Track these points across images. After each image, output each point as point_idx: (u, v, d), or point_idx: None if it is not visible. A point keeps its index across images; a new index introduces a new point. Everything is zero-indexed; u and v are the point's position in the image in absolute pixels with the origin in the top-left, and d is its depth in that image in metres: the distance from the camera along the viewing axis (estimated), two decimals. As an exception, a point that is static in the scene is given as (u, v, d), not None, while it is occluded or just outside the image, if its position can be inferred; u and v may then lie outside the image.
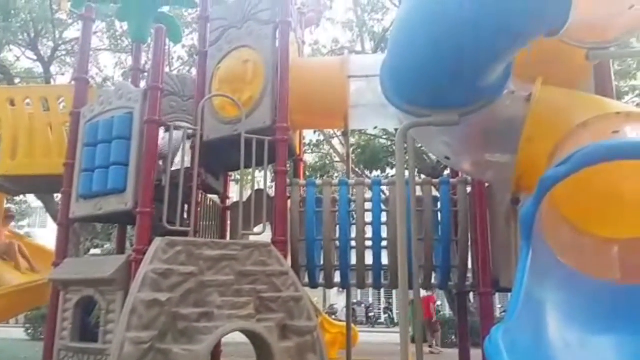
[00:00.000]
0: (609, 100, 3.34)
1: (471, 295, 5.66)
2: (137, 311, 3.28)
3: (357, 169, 13.18)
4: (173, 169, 4.51)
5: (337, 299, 21.20)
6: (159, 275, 3.41)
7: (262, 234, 4.54)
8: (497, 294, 4.61)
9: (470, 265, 4.75)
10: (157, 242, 3.58)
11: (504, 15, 2.60)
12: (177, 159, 4.75)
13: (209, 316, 3.45)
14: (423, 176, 9.35)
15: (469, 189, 4.81)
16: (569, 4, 2.48)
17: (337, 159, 14.31)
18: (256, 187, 5.94)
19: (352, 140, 12.59)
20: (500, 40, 2.74)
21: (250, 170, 5.87)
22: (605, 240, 2.56)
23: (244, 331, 3.63)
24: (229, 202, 5.97)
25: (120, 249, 5.82)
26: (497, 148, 3.53)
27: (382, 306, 25.75)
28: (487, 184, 4.55)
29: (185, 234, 3.96)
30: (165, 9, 6.20)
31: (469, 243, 4.68)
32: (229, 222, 5.74)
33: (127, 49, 13.91)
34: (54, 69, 15.58)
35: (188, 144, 4.84)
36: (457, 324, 6.18)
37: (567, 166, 2.11)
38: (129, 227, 6.00)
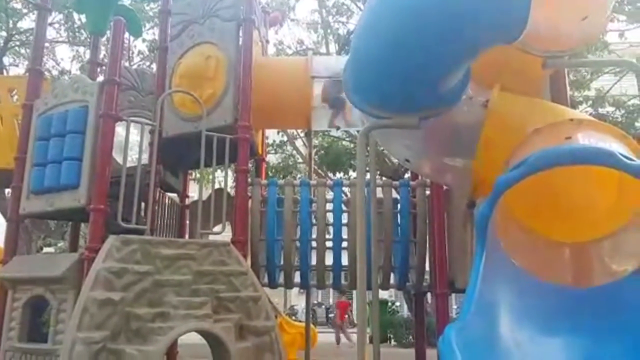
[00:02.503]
0: (563, 107, 3.45)
1: (429, 295, 5.75)
2: (89, 311, 3.17)
3: (319, 171, 13.20)
4: (130, 165, 4.38)
5: (297, 300, 21.17)
6: (112, 274, 3.31)
7: (222, 233, 4.47)
8: (453, 295, 4.70)
9: (427, 267, 4.82)
10: (111, 240, 3.47)
11: (464, 22, 2.66)
12: (135, 155, 4.63)
13: (164, 316, 3.37)
14: (384, 178, 9.46)
15: (428, 192, 4.89)
16: (526, 13, 2.55)
17: (300, 160, 14.30)
18: (217, 186, 5.84)
19: (315, 141, 12.61)
20: (459, 46, 2.81)
21: (211, 169, 5.78)
22: (557, 243, 2.64)
23: (201, 332, 3.56)
24: (188, 201, 5.86)
25: (73, 247, 5.62)
26: (456, 152, 3.59)
27: (343, 307, 25.85)
28: (445, 187, 4.63)
29: (141, 232, 3.85)
30: (126, 1, 6.04)
31: (427, 245, 4.75)
32: (188, 222, 5.63)
33: (85, 42, 13.47)
34: (6, 60, 14.91)
35: (146, 140, 4.71)
36: (414, 324, 6.27)
37: (521, 170, 2.17)
38: (83, 225, 5.80)
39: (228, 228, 4.66)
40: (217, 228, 4.59)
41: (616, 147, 2.26)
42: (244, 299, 3.72)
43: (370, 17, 3.16)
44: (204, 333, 3.58)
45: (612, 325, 2.16)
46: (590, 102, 12.15)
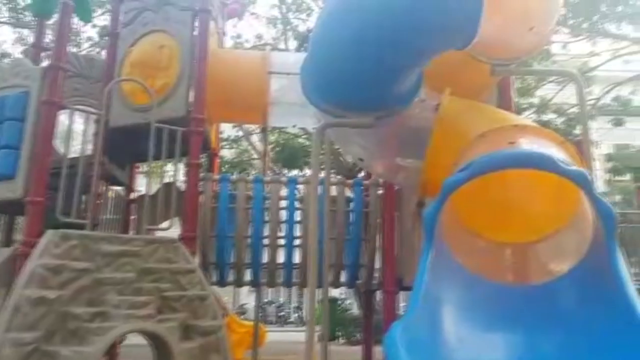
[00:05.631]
0: (509, 113, 3.59)
1: (378, 293, 5.84)
2: (21, 310, 2.99)
3: (275, 167, 13.13)
4: (73, 156, 4.20)
5: (248, 298, 20.97)
6: (48, 270, 3.14)
7: (169, 229, 4.35)
8: (402, 293, 4.79)
9: (377, 265, 4.89)
10: (49, 234, 3.29)
11: (417, 29, 2.75)
12: (79, 145, 4.43)
13: (104, 316, 3.23)
14: (339, 177, 9.51)
15: (380, 191, 4.95)
16: (476, 22, 2.64)
17: (255, 155, 14.17)
18: (166, 181, 5.69)
19: (271, 137, 12.52)
20: (412, 51, 2.89)
21: (160, 162, 5.63)
22: (499, 244, 2.74)
23: (143, 332, 3.45)
24: (135, 195, 5.66)
25: (7, 242, 5.32)
26: (407, 153, 3.66)
27: (293, 305, 25.88)
28: (397, 187, 4.70)
29: (81, 227, 3.69)
30: (75, -16, 5.76)
31: (378, 243, 4.81)
32: (133, 217, 5.45)
33: (29, 24, 12.78)
34: (-58, 40, 13.96)
35: (91, 130, 4.52)
36: (362, 321, 6.35)
37: (467, 172, 2.24)
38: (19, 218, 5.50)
39: (177, 224, 4.55)
40: (165, 224, 4.47)
41: (556, 152, 2.36)
42: (191, 297, 3.63)
43: (328, 18, 3.19)
44: (146, 333, 3.47)
45: (548, 322, 2.26)
46: (534, 109, 12.68)
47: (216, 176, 5.07)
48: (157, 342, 3.50)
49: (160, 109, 4.41)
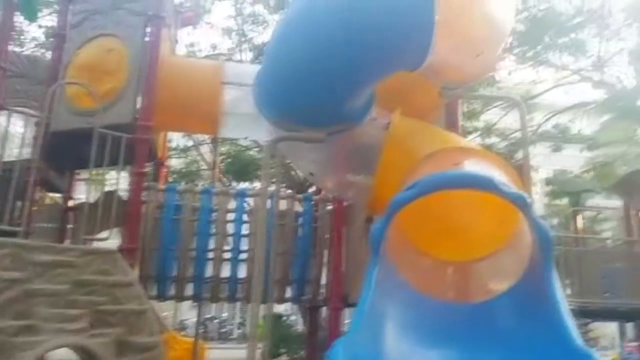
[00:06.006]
0: (456, 135, 3.70)
1: (323, 309, 5.83)
2: (-62, 323, 2.76)
3: (224, 179, 12.93)
4: (8, 160, 3.96)
5: (189, 313, 20.36)
6: (-27, 280, 2.92)
7: (108, 240, 4.17)
8: (348, 309, 4.79)
9: (324, 281, 4.87)
10: (-23, 242, 3.08)
11: (371, 49, 2.81)
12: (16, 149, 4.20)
13: (32, 330, 3.02)
14: (289, 191, 9.47)
15: (330, 207, 4.96)
16: (428, 46, 2.73)
17: (205, 166, 13.90)
18: (108, 189, 5.46)
19: (222, 149, 12.33)
20: (366, 70, 2.96)
21: (103, 169, 5.41)
22: (442, 262, 2.80)
23: (74, 347, 3.26)
24: (73, 203, 5.40)
25: None
26: (358, 170, 3.70)
27: (237, 321, 25.36)
28: (346, 203, 4.73)
29: (14, 234, 3.47)
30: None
31: (325, 259, 4.81)
32: (71, 226, 5.18)
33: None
34: None
35: (31, 133, 4.30)
36: (306, 338, 6.30)
37: (413, 191, 2.28)
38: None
39: (117, 235, 4.37)
40: (103, 234, 4.27)
41: (498, 175, 2.45)
42: (127, 312, 3.46)
43: (283, 33, 3.22)
44: (77, 349, 3.29)
45: (487, 340, 2.31)
46: (479, 133, 13.18)
47: (162, 186, 4.93)
48: (88, 358, 3.31)
49: (106, 114, 4.26)
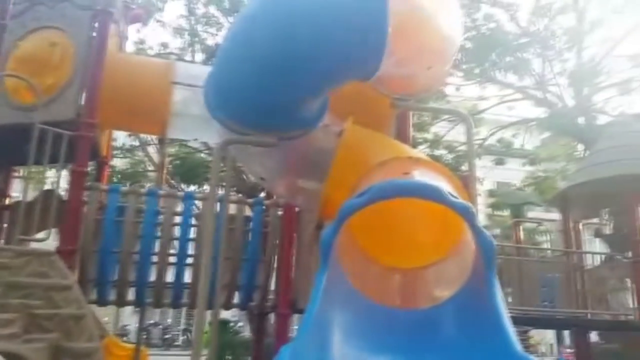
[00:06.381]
0: (406, 146, 3.78)
1: (272, 316, 5.78)
2: None
3: (172, 181, 12.61)
4: None
5: (131, 319, 19.68)
6: None
7: (46, 241, 3.97)
8: (296, 316, 4.77)
9: (273, 287, 4.83)
10: None
11: (323, 58, 2.85)
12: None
13: (-44, 336, 2.84)
14: (240, 195, 9.36)
15: (280, 212, 4.93)
16: (380, 56, 2.78)
17: (151, 167, 13.51)
18: (47, 188, 5.21)
19: (171, 150, 12.03)
20: (318, 79, 2.99)
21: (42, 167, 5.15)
22: (390, 269, 2.84)
23: (4, 354, 3.07)
24: (9, 202, 5.10)
25: None
26: (309, 175, 3.70)
27: (181, 327, 24.74)
28: (297, 209, 4.72)
29: (-61, 233, 3.24)
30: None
31: (274, 264, 4.77)
32: (5, 225, 4.89)
33: None
34: None
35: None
36: (253, 344, 6.22)
37: (363, 198, 2.31)
38: None
39: (56, 236, 4.17)
40: (41, 235, 4.06)
41: (445, 185, 2.51)
42: (64, 317, 3.31)
43: (235, 37, 3.19)
44: (8, 355, 3.09)
45: (431, 345, 2.36)
46: (427, 144, 13.57)
47: (104, 186, 4.75)
48: (20, 366, 3.13)
49: (47, 109, 4.09)
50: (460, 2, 3.27)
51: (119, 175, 12.44)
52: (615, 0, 13.10)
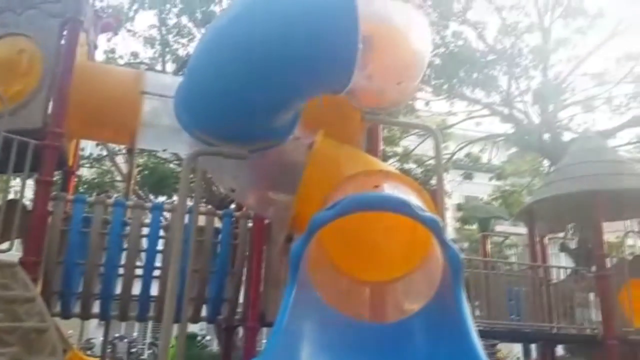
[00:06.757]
0: (376, 159, 3.84)
1: (241, 329, 5.71)
2: None
3: (140, 192, 12.39)
4: None
5: (96, 332, 19.12)
6: None
7: (9, 251, 3.84)
8: (266, 328, 4.73)
9: (242, 299, 4.79)
10: None
11: (293, 72, 2.89)
12: None
13: None
14: (209, 206, 9.27)
15: (250, 224, 4.91)
16: (351, 70, 2.83)
17: (119, 178, 13.25)
18: (11, 197, 5.05)
19: (140, 160, 11.84)
20: (288, 92, 3.03)
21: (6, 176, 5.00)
22: (360, 282, 2.86)
23: (-40, 370, 2.96)
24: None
25: None
26: (279, 187, 3.72)
27: (148, 341, 24.16)
28: (267, 221, 4.71)
29: None
30: None
31: (244, 277, 4.73)
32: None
33: None
34: None
35: None
36: (221, 358, 6.13)
37: (333, 211, 2.33)
38: None
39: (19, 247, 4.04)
40: (3, 245, 3.93)
41: (414, 199, 2.56)
42: (26, 330, 3.20)
43: (206, 49, 3.20)
44: (-36, 371, 2.98)
45: (399, 358, 2.38)
46: (397, 158, 13.76)
47: (70, 196, 4.64)
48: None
49: (13, 117, 3.99)
50: (429, 19, 3.36)
51: (86, 186, 12.17)
52: (579, 21, 13.63)
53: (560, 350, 8.60)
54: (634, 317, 6.70)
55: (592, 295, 7.29)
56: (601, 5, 13.76)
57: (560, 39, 13.67)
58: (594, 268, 7.24)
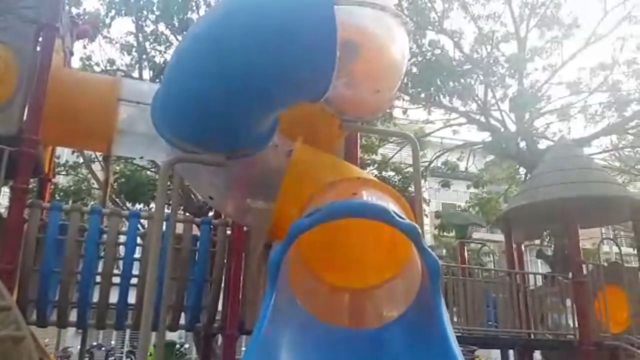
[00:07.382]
0: (354, 167, 3.87)
1: (219, 337, 5.67)
2: None
3: (117, 199, 12.23)
4: None
5: (73, 341, 18.72)
6: None
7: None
8: (245, 336, 4.71)
9: (220, 307, 4.76)
10: None
11: (271, 78, 2.91)
12: None
13: None
14: (187, 214, 9.20)
15: (229, 232, 4.89)
16: (329, 78, 2.87)
17: (96, 185, 13.05)
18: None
19: (116, 167, 11.70)
20: (265, 99, 3.04)
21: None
22: (339, 289, 2.88)
23: None
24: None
25: None
26: (258, 195, 3.72)
27: (126, 349, 23.75)
28: (246, 228, 4.70)
29: None
30: None
31: (222, 284, 4.71)
32: None
33: None
34: None
35: None
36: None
37: (311, 218, 2.35)
38: None
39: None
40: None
41: (392, 206, 2.60)
42: (2, 339, 3.12)
43: (183, 54, 3.20)
44: None
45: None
46: (376, 165, 13.86)
47: (46, 204, 4.57)
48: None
49: (-14, 124, 3.90)
50: (406, 27, 3.42)
51: (62, 193, 11.96)
52: (554, 31, 13.96)
53: (538, 355, 8.71)
54: (610, 323, 6.84)
55: (568, 301, 7.43)
56: (576, 16, 14.04)
57: (536, 48, 13.97)
58: (570, 274, 7.37)
